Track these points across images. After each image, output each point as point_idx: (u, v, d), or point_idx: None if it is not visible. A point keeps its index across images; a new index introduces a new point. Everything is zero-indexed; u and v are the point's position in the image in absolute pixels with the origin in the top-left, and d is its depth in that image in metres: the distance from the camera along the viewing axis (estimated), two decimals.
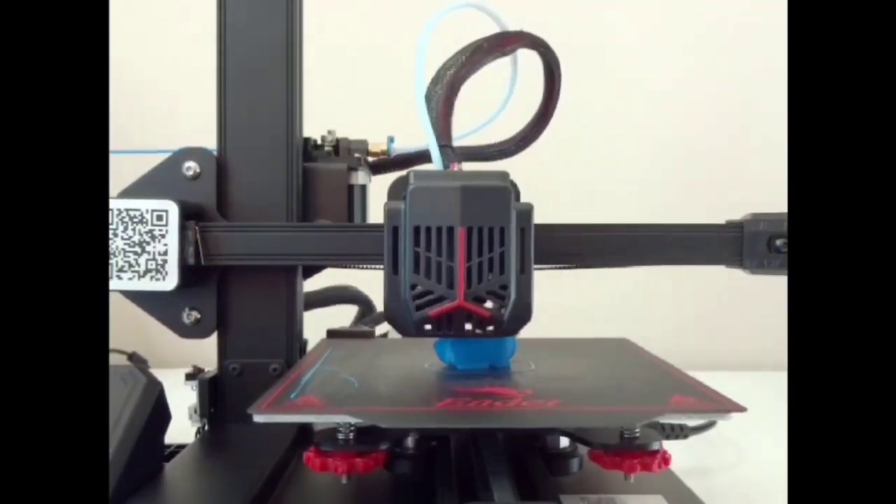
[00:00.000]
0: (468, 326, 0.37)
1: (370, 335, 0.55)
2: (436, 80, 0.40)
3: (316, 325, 0.54)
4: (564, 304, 0.85)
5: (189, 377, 0.47)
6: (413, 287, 0.36)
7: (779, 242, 0.42)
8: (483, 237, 0.35)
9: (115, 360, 0.72)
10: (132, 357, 0.88)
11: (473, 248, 0.35)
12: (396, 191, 0.42)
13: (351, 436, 0.33)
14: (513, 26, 0.43)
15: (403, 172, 0.54)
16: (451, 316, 0.36)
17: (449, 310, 0.35)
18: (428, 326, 0.36)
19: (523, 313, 0.36)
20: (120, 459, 0.33)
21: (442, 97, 0.39)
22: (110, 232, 0.42)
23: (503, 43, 0.41)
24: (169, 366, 0.60)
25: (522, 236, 0.36)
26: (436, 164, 0.39)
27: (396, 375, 0.40)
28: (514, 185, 0.37)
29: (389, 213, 0.36)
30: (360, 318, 0.68)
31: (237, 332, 0.47)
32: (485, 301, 0.36)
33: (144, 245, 0.42)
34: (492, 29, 0.43)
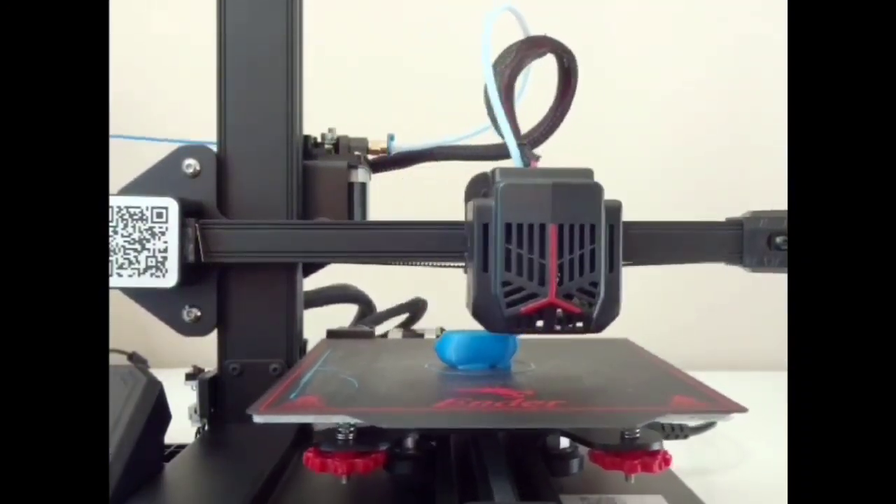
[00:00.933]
0: (557, 324, 0.36)
1: (370, 335, 0.55)
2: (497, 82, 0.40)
3: (316, 325, 0.54)
4: None
5: (189, 377, 0.47)
6: (504, 284, 0.36)
7: (779, 240, 0.42)
8: (574, 234, 0.35)
9: (115, 360, 0.72)
10: (132, 357, 0.88)
11: (565, 245, 0.35)
12: (475, 188, 0.42)
13: (351, 436, 0.32)
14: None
15: (403, 170, 0.55)
16: (543, 312, 0.35)
17: (541, 306, 0.35)
18: (519, 323, 0.36)
19: (612, 310, 0.36)
20: (120, 459, 0.33)
21: (505, 97, 0.39)
22: (110, 229, 0.42)
23: (537, 45, 0.41)
24: (169, 366, 0.60)
25: (612, 233, 0.36)
26: (515, 162, 0.39)
27: (396, 376, 0.40)
28: None
29: (480, 210, 0.36)
30: (359, 318, 0.68)
31: (237, 330, 0.47)
32: (574, 298, 0.36)
33: (144, 242, 0.42)
34: (495, 33, 0.43)
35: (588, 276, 0.35)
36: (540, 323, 0.36)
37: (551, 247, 0.35)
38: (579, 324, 0.36)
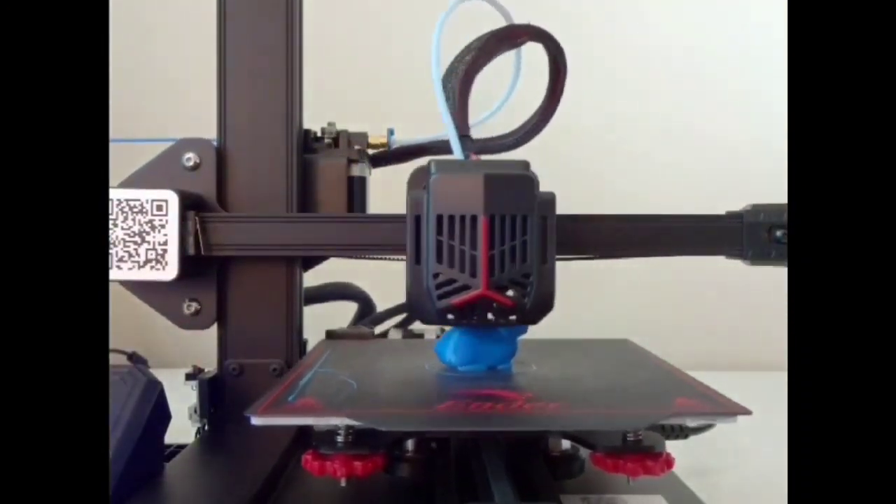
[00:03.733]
0: (490, 315, 0.36)
1: (369, 336, 0.55)
2: (450, 72, 0.40)
3: (316, 325, 0.54)
4: (565, 304, 0.85)
5: (189, 377, 0.47)
6: (436, 276, 0.36)
7: (779, 233, 0.42)
8: (506, 226, 0.35)
9: (115, 360, 0.71)
10: (132, 357, 0.88)
11: (496, 236, 0.35)
12: (416, 181, 0.42)
13: (350, 438, 0.32)
14: (515, 18, 0.44)
15: (404, 165, 0.55)
16: (474, 304, 0.36)
17: (472, 298, 0.35)
18: (450, 315, 0.36)
19: (545, 302, 0.36)
20: (120, 459, 0.33)
21: (458, 88, 0.39)
22: (110, 222, 0.42)
23: (513, 35, 0.41)
24: (169, 366, 0.60)
25: (545, 225, 0.36)
26: (456, 154, 0.39)
27: (396, 377, 0.39)
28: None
29: (412, 202, 0.36)
30: (359, 318, 0.67)
31: (237, 326, 0.47)
32: (507, 290, 0.36)
33: (144, 235, 0.42)
34: (492, 23, 0.43)
35: (521, 267, 0.35)
36: (473, 315, 0.36)
37: (482, 238, 0.35)
38: (512, 316, 0.36)
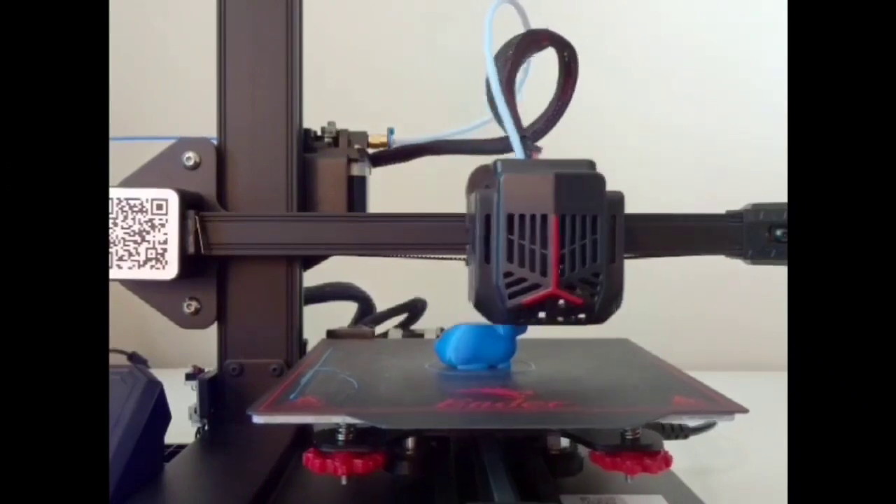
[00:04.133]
0: (559, 315, 0.36)
1: (370, 335, 0.55)
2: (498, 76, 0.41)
3: (316, 325, 0.54)
4: None
5: (189, 377, 0.47)
6: (507, 275, 0.35)
7: (779, 232, 0.42)
8: (576, 225, 0.35)
9: (115, 360, 0.71)
10: (132, 357, 0.88)
11: (566, 235, 0.35)
12: (478, 180, 0.42)
13: (350, 437, 0.32)
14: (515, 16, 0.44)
15: (404, 164, 0.55)
16: (545, 303, 0.35)
17: (543, 297, 0.35)
18: (521, 314, 0.36)
19: (614, 301, 0.36)
20: (120, 459, 0.33)
21: (507, 90, 0.40)
22: (110, 221, 0.42)
23: (539, 40, 0.41)
24: (169, 366, 0.60)
25: (614, 224, 0.36)
26: (517, 154, 0.39)
27: (396, 376, 0.40)
28: None
29: (482, 201, 0.36)
30: (359, 318, 0.68)
31: (237, 326, 0.47)
32: (576, 289, 0.36)
33: (144, 234, 0.42)
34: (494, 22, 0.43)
35: (590, 266, 0.35)
36: (542, 314, 0.36)
37: (553, 237, 0.35)
38: (581, 315, 0.36)
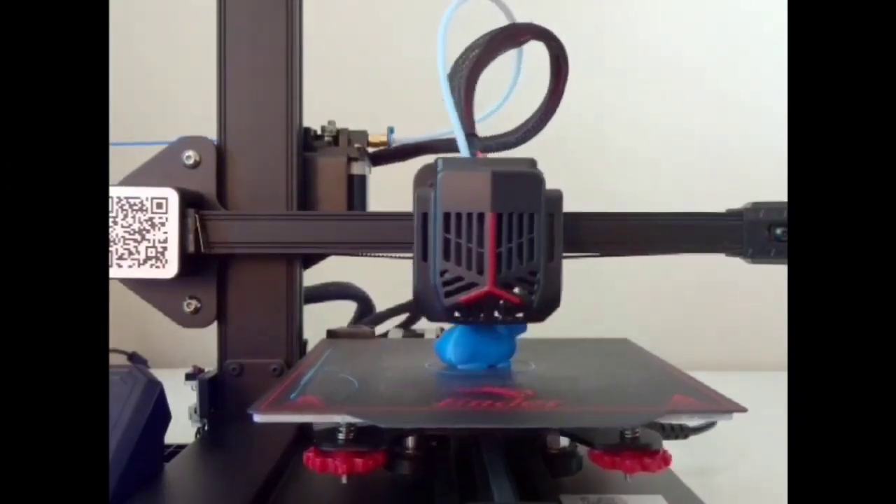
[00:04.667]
0: (497, 313, 0.36)
1: (370, 335, 0.55)
2: (455, 71, 0.40)
3: (316, 324, 0.54)
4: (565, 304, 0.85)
5: (189, 377, 0.47)
6: (443, 273, 0.36)
7: (779, 231, 0.42)
8: (513, 223, 0.35)
9: (115, 360, 0.72)
10: (132, 357, 0.88)
11: (503, 234, 0.35)
12: (423, 178, 0.42)
13: (351, 436, 0.32)
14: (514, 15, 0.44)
15: (404, 162, 0.55)
16: (481, 302, 0.36)
17: (479, 296, 0.35)
18: (457, 313, 0.36)
19: (552, 300, 0.36)
20: (120, 459, 0.33)
21: (463, 87, 0.39)
22: (110, 220, 0.42)
23: (517, 34, 0.41)
24: (169, 366, 0.60)
25: (552, 223, 0.36)
26: (462, 152, 0.39)
27: (396, 375, 0.40)
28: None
29: (419, 199, 0.36)
30: (358, 318, 0.68)
31: (237, 326, 0.47)
32: (514, 288, 0.36)
33: (144, 233, 0.42)
34: (493, 21, 0.43)
35: (527, 264, 0.35)
36: (480, 313, 0.36)
37: (490, 235, 0.35)
38: (519, 314, 0.36)
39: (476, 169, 0.36)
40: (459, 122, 0.39)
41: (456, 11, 0.39)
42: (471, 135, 0.39)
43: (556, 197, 0.36)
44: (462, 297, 0.35)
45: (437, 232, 0.36)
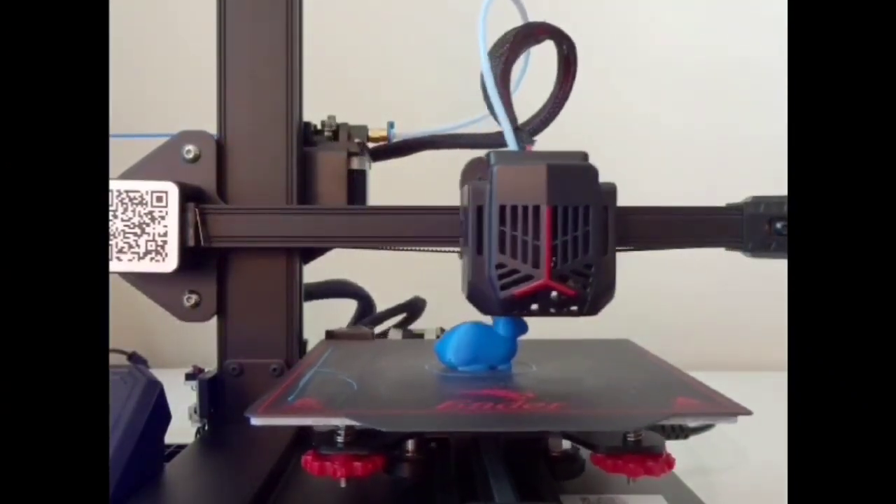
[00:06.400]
0: (551, 306, 0.36)
1: (369, 336, 0.55)
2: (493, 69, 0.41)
3: (316, 325, 0.54)
4: None
5: (189, 377, 0.47)
6: (499, 266, 0.35)
7: (779, 225, 0.42)
8: (568, 216, 0.35)
9: (115, 360, 0.72)
10: (132, 357, 0.88)
11: (559, 226, 0.35)
12: (472, 172, 0.42)
13: (350, 439, 0.32)
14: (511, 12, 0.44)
15: (404, 159, 0.55)
16: (537, 295, 0.35)
17: (535, 288, 0.35)
18: (513, 305, 0.36)
19: (606, 293, 0.36)
20: (120, 459, 0.33)
21: (501, 84, 0.40)
22: (110, 213, 0.42)
23: (536, 33, 0.41)
24: (169, 366, 0.60)
25: (606, 216, 0.36)
26: (511, 146, 0.39)
27: (396, 377, 0.39)
28: None
29: (475, 192, 0.36)
30: (359, 317, 0.67)
31: (237, 320, 0.47)
32: (569, 280, 0.36)
33: (144, 226, 0.42)
34: (492, 21, 0.43)
35: (582, 258, 0.35)
36: (535, 306, 0.36)
37: (545, 228, 0.35)
38: (573, 307, 0.36)
39: (531, 162, 0.36)
40: (507, 117, 0.39)
41: (488, 10, 0.39)
42: (518, 129, 0.39)
43: (611, 190, 0.36)
44: (517, 289, 0.35)
45: (492, 225, 0.35)
